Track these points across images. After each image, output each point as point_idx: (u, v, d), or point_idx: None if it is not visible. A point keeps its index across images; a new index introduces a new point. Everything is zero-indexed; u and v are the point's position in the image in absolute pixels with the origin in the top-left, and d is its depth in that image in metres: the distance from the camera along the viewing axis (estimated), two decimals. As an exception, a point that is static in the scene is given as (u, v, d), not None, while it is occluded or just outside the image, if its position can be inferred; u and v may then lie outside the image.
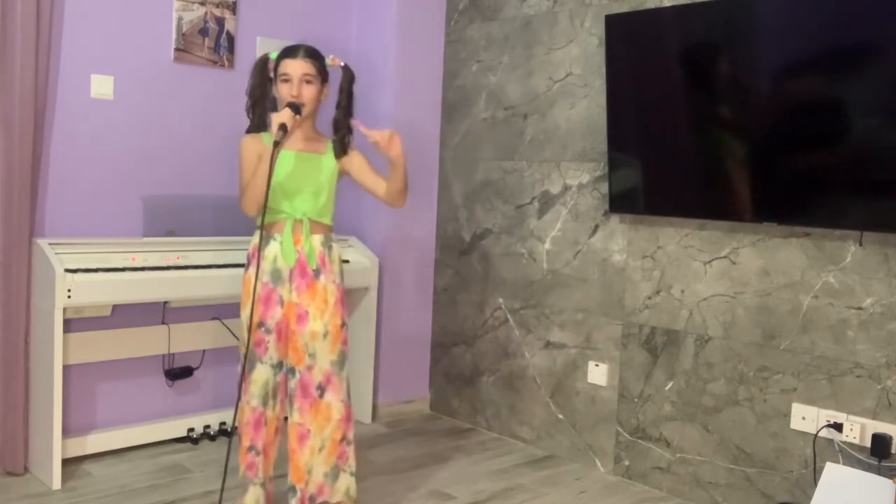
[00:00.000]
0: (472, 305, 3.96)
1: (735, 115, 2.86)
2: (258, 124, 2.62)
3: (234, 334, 3.59)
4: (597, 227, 3.42)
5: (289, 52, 2.56)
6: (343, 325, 2.62)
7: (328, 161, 2.64)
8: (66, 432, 3.19)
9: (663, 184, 3.11)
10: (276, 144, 2.43)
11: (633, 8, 3.23)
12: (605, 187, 3.36)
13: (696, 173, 2.99)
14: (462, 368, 4.02)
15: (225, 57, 3.59)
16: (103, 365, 3.33)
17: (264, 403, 2.59)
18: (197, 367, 3.56)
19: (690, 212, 3.04)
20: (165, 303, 3.37)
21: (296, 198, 2.57)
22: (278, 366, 2.59)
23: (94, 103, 3.24)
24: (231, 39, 3.60)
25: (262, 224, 2.57)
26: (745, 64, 2.81)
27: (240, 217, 3.66)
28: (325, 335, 2.56)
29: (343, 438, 2.62)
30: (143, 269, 3.08)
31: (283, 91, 2.54)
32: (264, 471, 2.64)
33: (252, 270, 2.55)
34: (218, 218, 3.60)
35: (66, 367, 3.16)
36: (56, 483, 2.93)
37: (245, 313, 2.57)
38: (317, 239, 2.60)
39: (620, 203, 3.23)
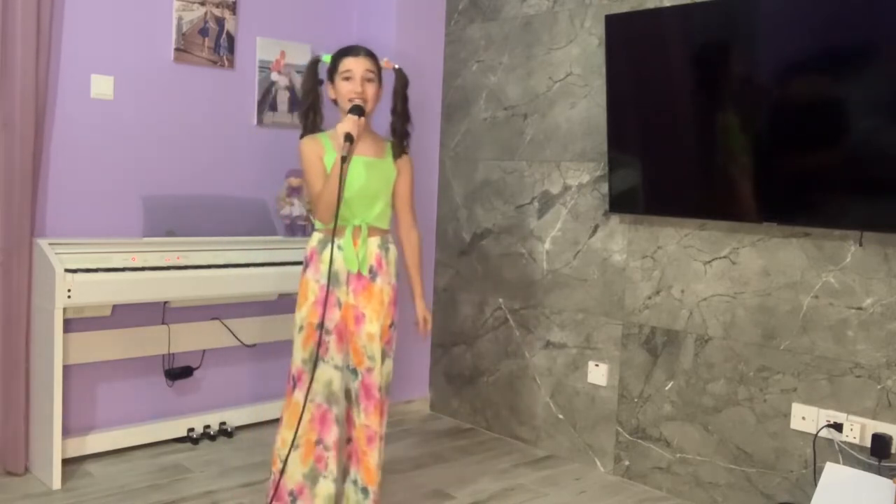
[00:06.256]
0: (472, 305, 3.96)
1: (735, 115, 2.85)
2: (312, 128, 2.60)
3: (234, 334, 3.60)
4: (597, 227, 3.42)
5: (349, 51, 2.57)
6: (392, 325, 2.62)
7: (391, 166, 2.64)
8: (66, 432, 3.19)
9: (663, 184, 3.11)
10: (344, 159, 2.41)
11: (633, 8, 3.23)
12: (605, 187, 3.36)
13: (696, 173, 2.99)
14: (462, 368, 4.02)
15: (225, 57, 3.59)
16: (103, 365, 3.33)
17: (328, 402, 2.58)
18: (197, 367, 3.56)
19: (690, 212, 3.04)
20: (165, 303, 3.37)
21: (360, 206, 2.56)
22: (342, 367, 2.60)
23: (94, 103, 3.24)
24: (231, 39, 3.60)
25: (321, 227, 2.57)
26: (746, 64, 2.81)
27: (239, 217, 3.69)
28: (378, 336, 2.58)
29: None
30: (143, 269, 3.08)
31: (345, 89, 2.53)
32: (337, 467, 2.63)
33: (309, 273, 2.57)
34: (218, 218, 3.60)
35: (66, 367, 3.15)
36: (56, 483, 2.93)
37: (301, 314, 2.57)
38: (373, 242, 2.60)
39: (620, 203, 3.23)
